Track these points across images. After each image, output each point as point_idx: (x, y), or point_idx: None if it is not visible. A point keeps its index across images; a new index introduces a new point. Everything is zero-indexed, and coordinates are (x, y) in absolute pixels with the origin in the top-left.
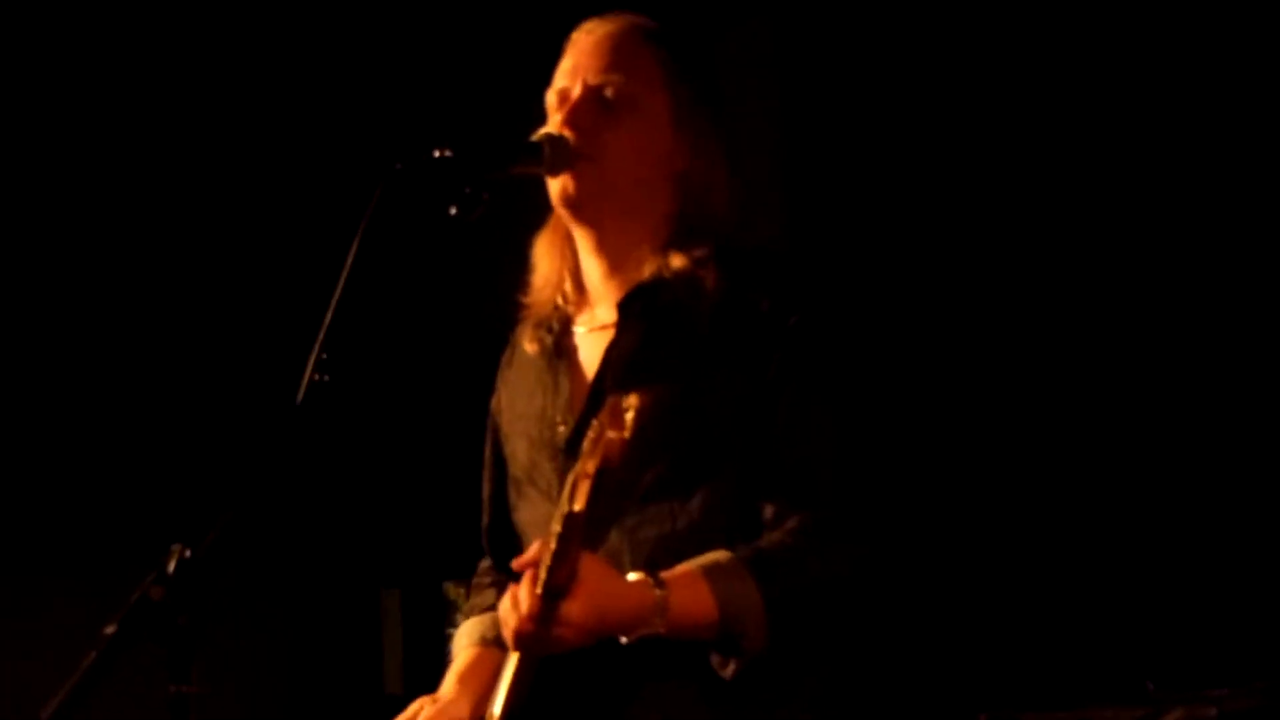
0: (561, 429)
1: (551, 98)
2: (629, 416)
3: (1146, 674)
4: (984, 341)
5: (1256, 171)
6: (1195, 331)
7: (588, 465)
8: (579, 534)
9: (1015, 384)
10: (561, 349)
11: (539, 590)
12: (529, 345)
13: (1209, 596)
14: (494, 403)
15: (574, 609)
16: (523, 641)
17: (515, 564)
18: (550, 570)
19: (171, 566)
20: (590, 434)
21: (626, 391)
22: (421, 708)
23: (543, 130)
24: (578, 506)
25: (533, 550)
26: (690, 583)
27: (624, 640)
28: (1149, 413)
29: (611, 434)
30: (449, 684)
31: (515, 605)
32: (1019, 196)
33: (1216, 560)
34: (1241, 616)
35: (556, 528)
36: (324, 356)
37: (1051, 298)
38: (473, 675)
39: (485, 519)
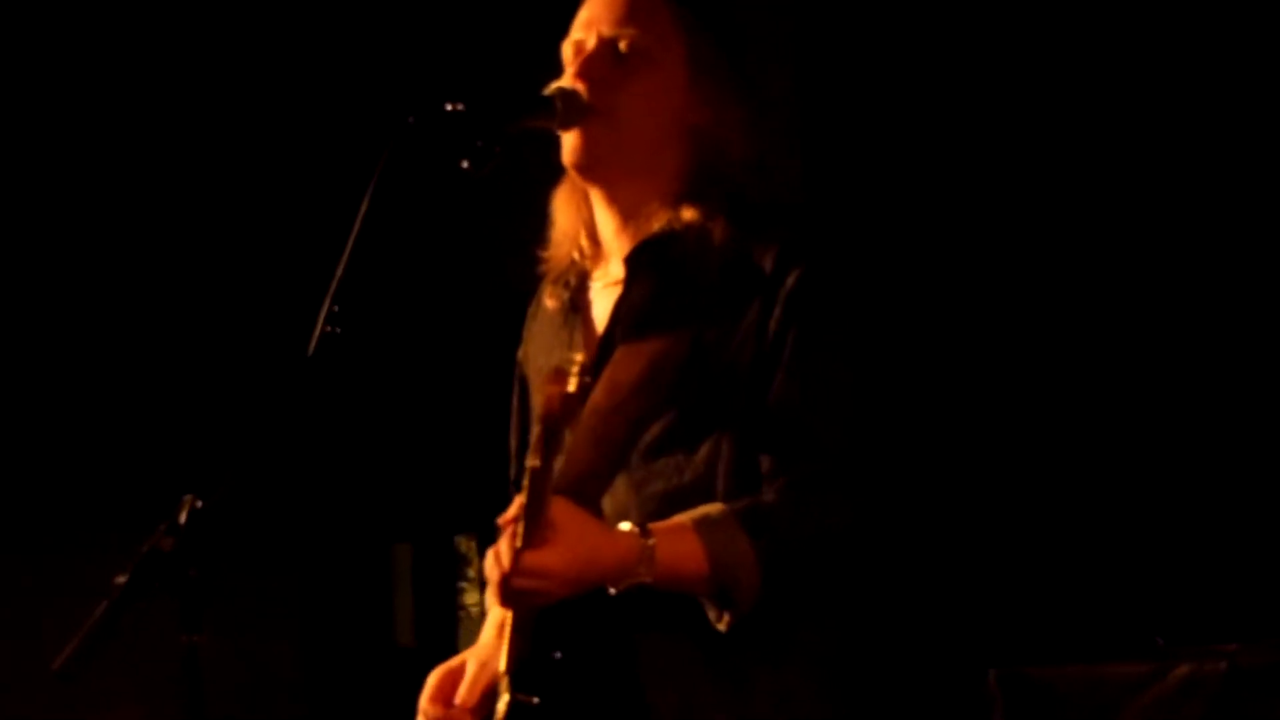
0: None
1: (567, 50)
2: (573, 372)
3: (1156, 628)
4: (997, 297)
5: (1264, 173)
6: (1193, 297)
7: (537, 421)
8: (544, 487)
9: (1024, 342)
10: (577, 304)
11: (518, 544)
12: (549, 300)
13: (1219, 551)
14: (520, 354)
15: (553, 560)
16: (507, 596)
17: (499, 521)
18: (525, 524)
19: (183, 518)
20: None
21: (636, 344)
22: (464, 661)
23: (556, 83)
24: (533, 462)
25: (513, 506)
26: (679, 534)
27: (611, 591)
28: (1159, 371)
29: (551, 389)
30: (488, 633)
31: (497, 561)
32: (1033, 159)
33: (1226, 516)
34: (1252, 571)
35: (524, 482)
36: (336, 309)
37: (1061, 248)
38: None
39: (513, 469)
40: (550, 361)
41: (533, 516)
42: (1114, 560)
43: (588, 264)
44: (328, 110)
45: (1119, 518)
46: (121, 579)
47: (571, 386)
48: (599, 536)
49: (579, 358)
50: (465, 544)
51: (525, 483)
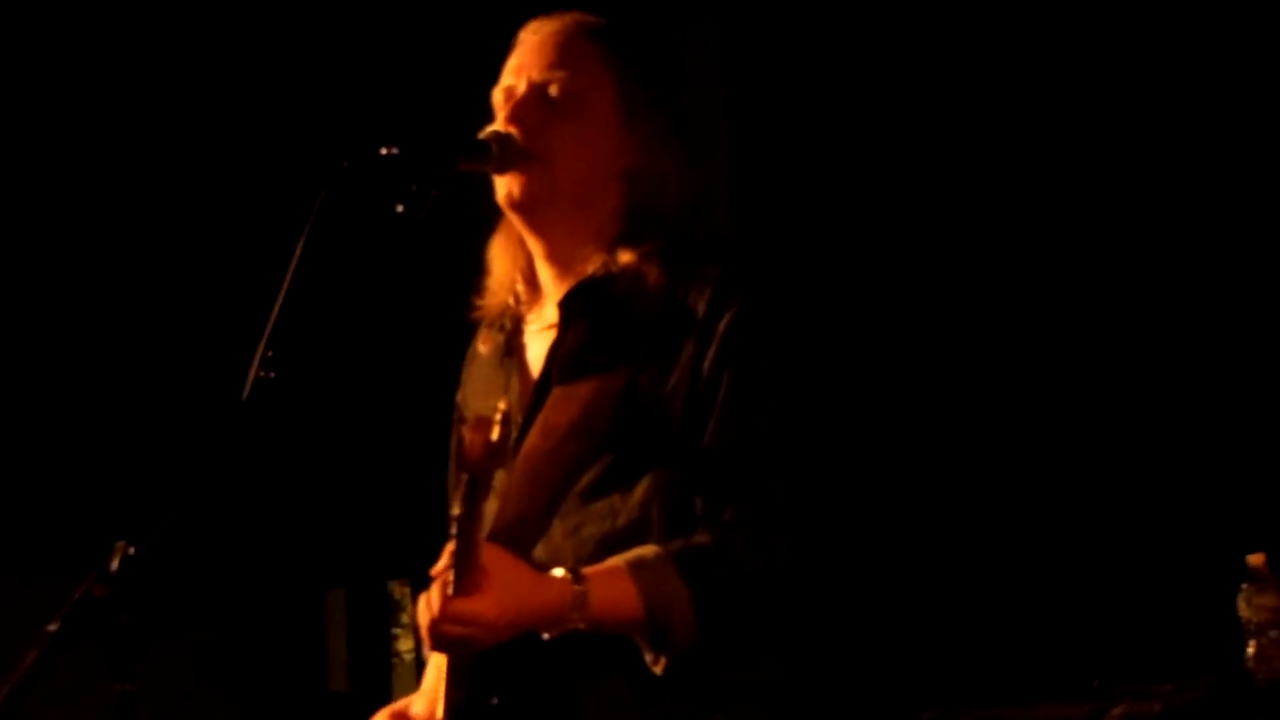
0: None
1: (498, 96)
2: (496, 420)
3: (1091, 670)
4: (929, 335)
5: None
6: (1138, 313)
7: (460, 469)
8: (470, 534)
9: (961, 380)
10: (512, 347)
11: (449, 591)
12: (482, 345)
13: (1154, 593)
14: (459, 397)
15: (483, 608)
16: (439, 643)
17: (431, 572)
18: (455, 571)
19: (115, 564)
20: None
21: (571, 386)
22: (409, 704)
23: (490, 128)
24: (455, 510)
25: (444, 555)
26: (613, 578)
27: (545, 636)
28: (1090, 411)
29: (474, 436)
30: (429, 678)
31: (428, 607)
32: (962, 190)
33: (1160, 557)
34: (1186, 613)
35: (452, 530)
36: (270, 354)
37: (992, 294)
38: None
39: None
40: (487, 406)
41: (462, 563)
42: (1049, 602)
43: (523, 309)
44: (262, 154)
45: (1054, 560)
46: (52, 626)
47: (494, 435)
48: (530, 583)
49: (501, 405)
50: (399, 590)
51: (452, 531)
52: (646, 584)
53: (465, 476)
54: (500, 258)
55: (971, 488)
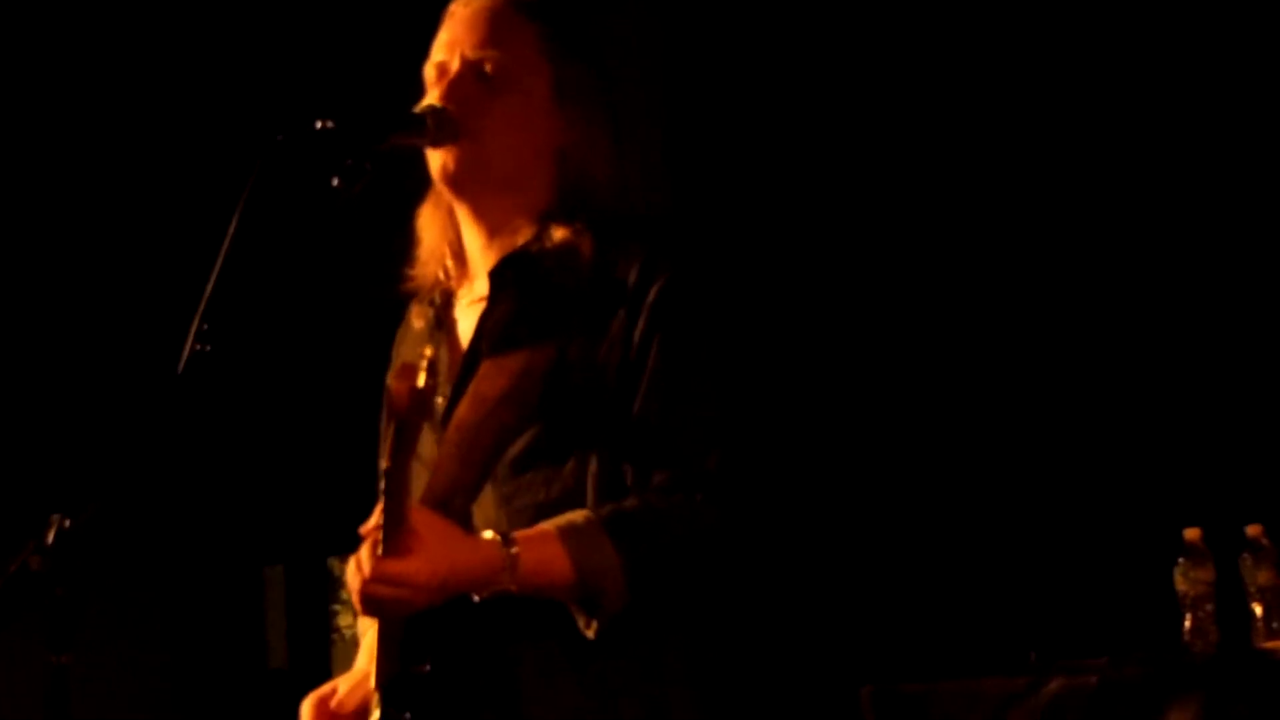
0: (440, 400)
1: (430, 71)
2: (421, 367)
3: (1028, 644)
4: (871, 306)
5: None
6: (1078, 291)
7: (388, 420)
8: (399, 490)
9: (896, 355)
10: (442, 320)
11: (378, 552)
12: (416, 320)
13: (1091, 567)
14: (390, 378)
15: (413, 568)
16: (369, 605)
17: (361, 530)
18: (385, 532)
19: (50, 537)
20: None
21: (501, 358)
22: (334, 687)
23: (425, 103)
24: (383, 463)
25: (374, 515)
26: (543, 541)
27: (475, 599)
28: (1028, 386)
29: (399, 385)
30: (361, 659)
31: (358, 569)
32: (900, 168)
33: (1097, 531)
34: (1123, 587)
35: (380, 486)
36: (205, 327)
37: (930, 262)
38: None
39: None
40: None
41: (392, 522)
42: (986, 576)
43: (453, 283)
44: (197, 127)
45: (992, 534)
46: None
47: (420, 381)
48: (460, 544)
49: (427, 352)
50: (338, 566)
51: (380, 486)
52: (576, 548)
53: (392, 427)
54: (429, 229)
55: (910, 463)
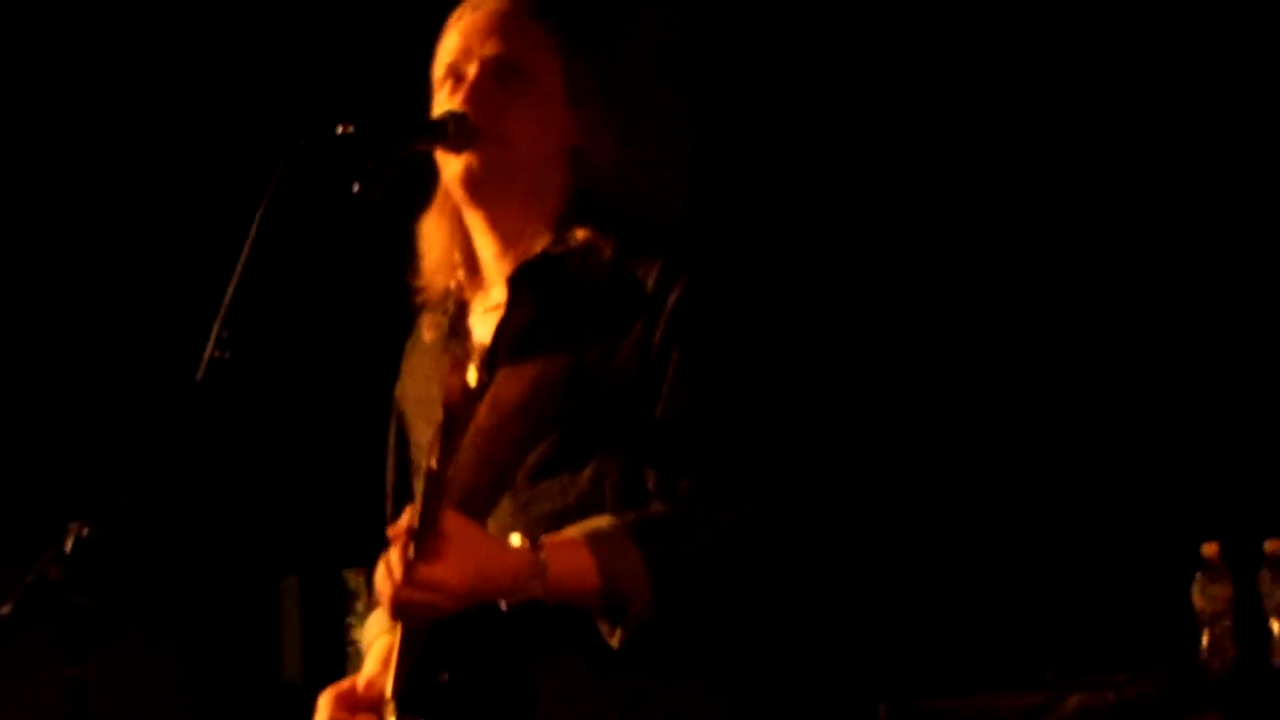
0: None
1: (441, 73)
2: (473, 363)
3: (1046, 660)
4: (891, 317)
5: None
6: (1095, 303)
7: (438, 417)
8: (439, 492)
9: (918, 366)
10: (457, 331)
11: (410, 555)
12: (427, 332)
13: (1108, 583)
14: (397, 389)
15: (445, 573)
16: (399, 609)
17: (390, 531)
18: (418, 534)
19: (69, 545)
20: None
21: (518, 364)
22: (353, 683)
23: (442, 106)
24: (433, 463)
25: (404, 518)
26: (570, 548)
27: (503, 605)
28: (1046, 401)
29: (451, 379)
30: (369, 665)
31: (388, 572)
32: (920, 175)
33: (1115, 547)
34: (1140, 603)
35: (419, 487)
36: (225, 334)
37: (948, 272)
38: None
39: (389, 506)
40: (430, 393)
41: (426, 525)
42: (1004, 592)
43: (467, 293)
44: (218, 133)
45: (1011, 549)
46: (5, 608)
47: (470, 378)
48: (492, 549)
49: (479, 347)
50: (354, 578)
51: (420, 488)
52: (602, 554)
53: (440, 421)
54: (435, 238)
55: (929, 477)
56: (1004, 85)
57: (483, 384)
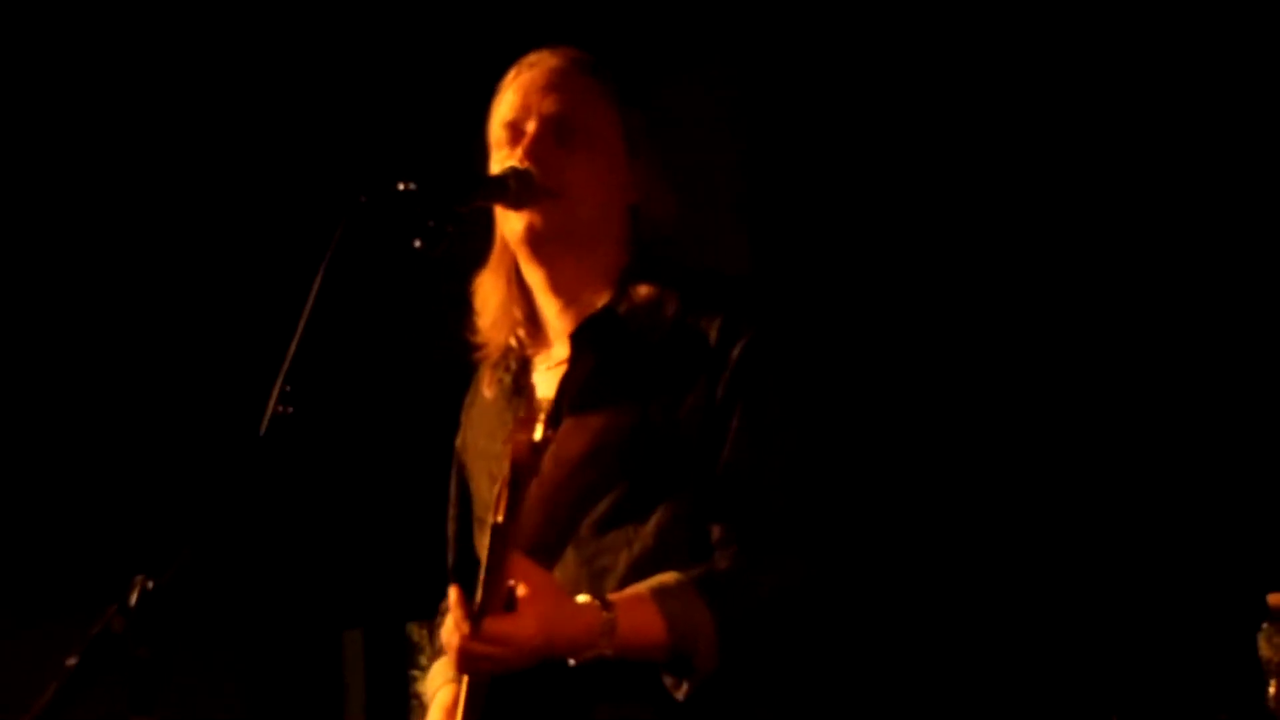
0: None
1: (500, 131)
2: (539, 420)
3: (1112, 709)
4: (947, 364)
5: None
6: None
7: (504, 473)
8: (507, 546)
9: (982, 411)
10: (520, 386)
11: (477, 610)
12: (487, 389)
13: (1174, 631)
14: (459, 441)
15: (518, 629)
16: (466, 663)
17: (451, 588)
18: (486, 588)
19: (133, 598)
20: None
21: (582, 417)
22: None
23: (501, 163)
24: (500, 518)
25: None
26: (638, 605)
27: (571, 662)
28: (1113, 448)
29: (518, 435)
30: (433, 716)
31: (457, 626)
32: (978, 219)
33: (1180, 595)
34: (1206, 652)
35: (486, 542)
36: (288, 389)
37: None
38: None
39: (451, 557)
40: (493, 447)
41: (493, 578)
42: (1067, 639)
43: (529, 351)
44: (281, 189)
45: (1073, 596)
46: (72, 661)
47: (538, 435)
48: (563, 607)
49: (544, 404)
50: (417, 631)
51: (486, 542)
52: (671, 610)
53: (508, 477)
54: (492, 295)
55: (990, 520)
56: (1063, 127)
57: (548, 439)
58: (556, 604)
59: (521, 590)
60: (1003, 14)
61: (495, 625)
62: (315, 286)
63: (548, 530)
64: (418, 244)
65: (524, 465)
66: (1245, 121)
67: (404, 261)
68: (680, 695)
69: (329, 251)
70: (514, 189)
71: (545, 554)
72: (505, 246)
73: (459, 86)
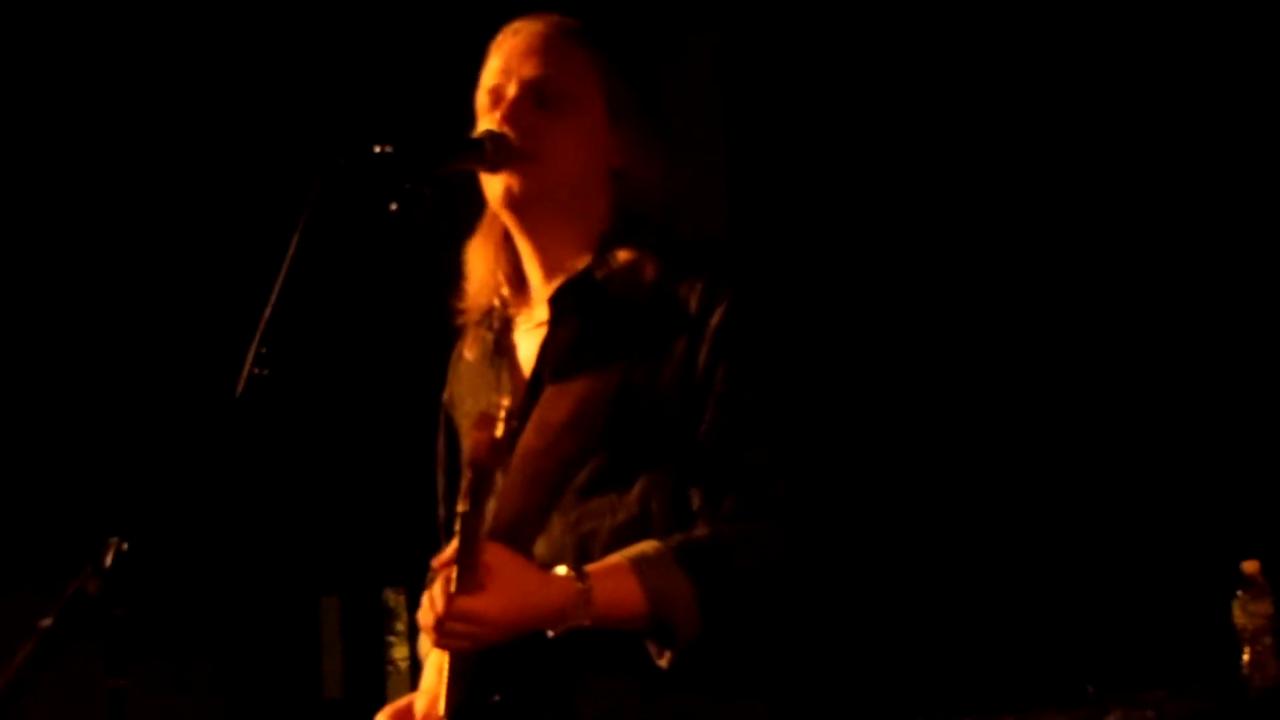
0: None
1: (483, 97)
2: (500, 417)
3: (1086, 676)
4: (926, 336)
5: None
6: (1135, 317)
7: (466, 467)
8: (476, 532)
9: (959, 383)
10: (502, 347)
11: (451, 589)
12: (469, 350)
13: (1149, 600)
14: (445, 396)
15: (487, 606)
16: (443, 641)
17: (434, 563)
18: (459, 569)
19: (108, 560)
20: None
21: (564, 384)
22: (410, 701)
23: (483, 127)
24: (461, 507)
25: (448, 550)
26: (615, 575)
27: (550, 634)
28: (1086, 416)
29: (479, 434)
30: (429, 677)
31: (431, 605)
32: (960, 189)
33: (1155, 563)
34: (1181, 620)
35: (456, 527)
36: (264, 351)
37: (986, 294)
38: None
39: (441, 512)
40: (478, 405)
41: (466, 561)
42: (1043, 608)
43: (511, 310)
44: (256, 152)
45: (1048, 566)
46: (46, 622)
47: (498, 431)
48: (534, 582)
49: (505, 402)
50: (394, 597)
51: (456, 528)
52: (649, 580)
53: (469, 474)
54: (480, 259)
55: (967, 494)
56: (1054, 119)
57: (511, 433)
58: (527, 578)
59: (490, 568)
60: None
61: (466, 603)
62: (291, 249)
63: (532, 497)
64: (394, 206)
65: (484, 463)
66: (1245, 121)
67: (380, 224)
68: (663, 663)
69: (305, 213)
70: (490, 152)
71: (531, 521)
72: (495, 213)
73: (445, 52)
